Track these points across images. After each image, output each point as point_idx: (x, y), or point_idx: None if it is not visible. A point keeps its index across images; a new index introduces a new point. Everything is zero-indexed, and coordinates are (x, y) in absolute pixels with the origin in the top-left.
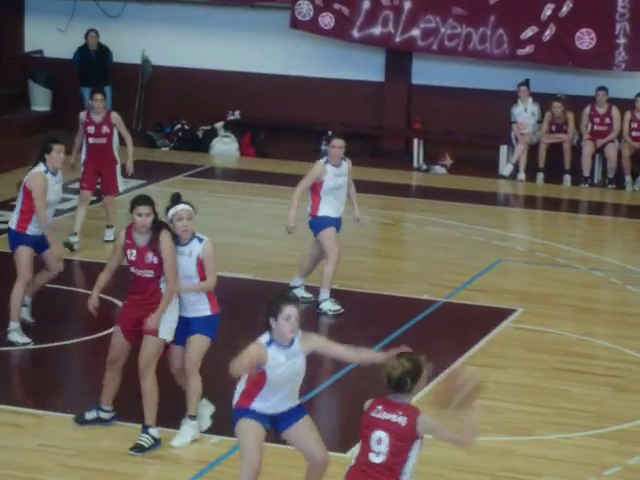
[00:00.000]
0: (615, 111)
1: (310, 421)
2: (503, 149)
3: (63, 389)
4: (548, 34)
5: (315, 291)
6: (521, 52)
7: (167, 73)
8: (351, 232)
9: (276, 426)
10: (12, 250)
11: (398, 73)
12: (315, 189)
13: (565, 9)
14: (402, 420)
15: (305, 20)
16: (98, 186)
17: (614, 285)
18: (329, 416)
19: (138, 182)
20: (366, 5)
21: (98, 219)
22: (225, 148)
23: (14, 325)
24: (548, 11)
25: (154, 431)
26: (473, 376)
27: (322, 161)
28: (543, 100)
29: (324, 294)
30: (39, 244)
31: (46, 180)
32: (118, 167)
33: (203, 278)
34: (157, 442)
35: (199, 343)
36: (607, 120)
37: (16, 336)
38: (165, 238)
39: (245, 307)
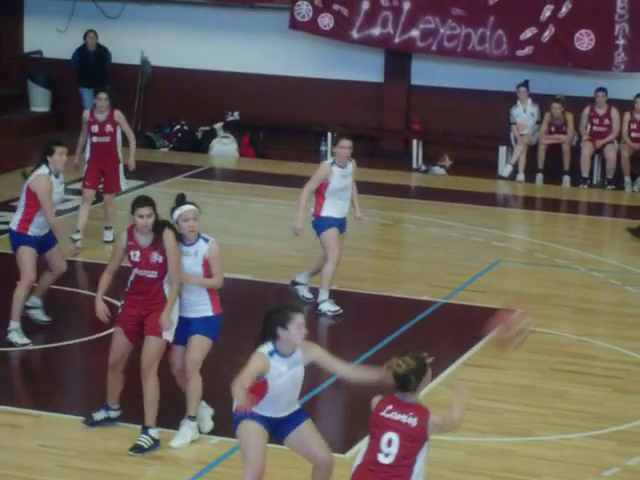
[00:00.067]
0: (614, 112)
1: (312, 424)
2: (502, 150)
3: (63, 390)
4: (547, 35)
5: (315, 291)
6: (520, 53)
7: (166, 74)
8: (350, 233)
9: (278, 432)
10: (14, 251)
11: (397, 74)
12: (320, 190)
13: (564, 10)
14: (413, 421)
15: (304, 21)
16: (100, 185)
17: (613, 286)
18: (328, 417)
19: (137, 183)
20: (365, 6)
21: (98, 220)
22: (224, 149)
23: (14, 325)
24: (547, 12)
25: (154, 432)
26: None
27: (328, 162)
28: (542, 101)
29: (323, 295)
30: (41, 245)
31: (51, 182)
32: (121, 166)
33: (208, 277)
34: (156, 443)
35: (200, 344)
36: (606, 121)
37: (16, 336)
38: (169, 236)
39: (244, 308)
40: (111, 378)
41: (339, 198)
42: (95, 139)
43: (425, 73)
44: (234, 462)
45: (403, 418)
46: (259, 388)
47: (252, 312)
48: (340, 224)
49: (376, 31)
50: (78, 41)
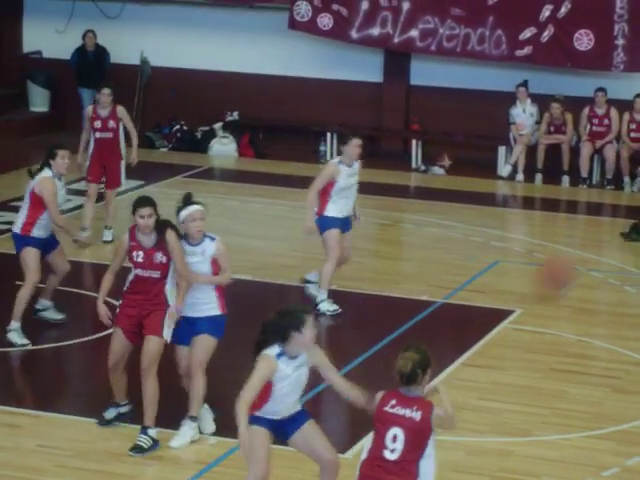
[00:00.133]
0: (614, 112)
1: (315, 425)
2: (501, 150)
3: (62, 390)
4: (546, 35)
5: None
6: (519, 53)
7: (166, 74)
8: (350, 233)
9: (281, 433)
10: (18, 253)
11: (397, 74)
12: (326, 189)
13: (563, 10)
14: (417, 415)
15: (304, 21)
16: (101, 185)
17: (612, 286)
18: (329, 417)
19: (137, 183)
20: (365, 6)
21: (98, 219)
22: (224, 149)
23: (15, 325)
24: (546, 12)
25: (153, 432)
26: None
27: (335, 161)
28: (542, 101)
29: (322, 294)
30: (44, 246)
31: (55, 185)
32: (123, 162)
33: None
34: (156, 443)
35: (205, 343)
36: (606, 121)
37: (15, 337)
38: (172, 236)
39: (244, 308)
40: (113, 379)
41: (343, 197)
42: (98, 134)
43: (424, 73)
44: (234, 462)
45: (407, 413)
46: (264, 390)
47: (251, 312)
48: (343, 224)
49: (375, 31)
50: (78, 41)
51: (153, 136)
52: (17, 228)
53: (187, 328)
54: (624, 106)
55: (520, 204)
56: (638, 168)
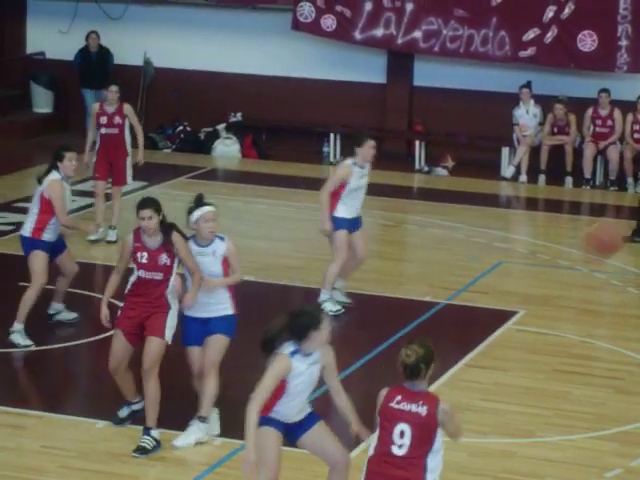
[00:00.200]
0: (617, 113)
1: (325, 426)
2: (505, 151)
3: (65, 391)
4: (550, 36)
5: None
6: (523, 54)
7: (169, 75)
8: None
9: (292, 435)
10: (26, 255)
11: (400, 75)
12: (337, 190)
13: (567, 11)
14: (423, 410)
15: (307, 22)
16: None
17: (615, 287)
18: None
19: (140, 184)
20: (368, 7)
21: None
22: (227, 150)
23: (18, 327)
24: (550, 13)
25: (155, 433)
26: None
27: (349, 162)
28: (545, 102)
29: (325, 295)
30: (53, 250)
31: (63, 187)
32: (129, 160)
33: (226, 276)
34: (158, 444)
35: (218, 343)
36: (609, 122)
37: (18, 338)
38: (178, 239)
39: (247, 309)
40: (118, 380)
41: (354, 198)
42: (103, 130)
43: (428, 74)
44: (237, 463)
45: (413, 408)
46: (277, 388)
47: (255, 313)
48: (351, 224)
49: (379, 32)
50: (81, 42)
51: (156, 137)
52: (27, 232)
53: (199, 329)
54: (628, 107)
55: (523, 205)
56: None
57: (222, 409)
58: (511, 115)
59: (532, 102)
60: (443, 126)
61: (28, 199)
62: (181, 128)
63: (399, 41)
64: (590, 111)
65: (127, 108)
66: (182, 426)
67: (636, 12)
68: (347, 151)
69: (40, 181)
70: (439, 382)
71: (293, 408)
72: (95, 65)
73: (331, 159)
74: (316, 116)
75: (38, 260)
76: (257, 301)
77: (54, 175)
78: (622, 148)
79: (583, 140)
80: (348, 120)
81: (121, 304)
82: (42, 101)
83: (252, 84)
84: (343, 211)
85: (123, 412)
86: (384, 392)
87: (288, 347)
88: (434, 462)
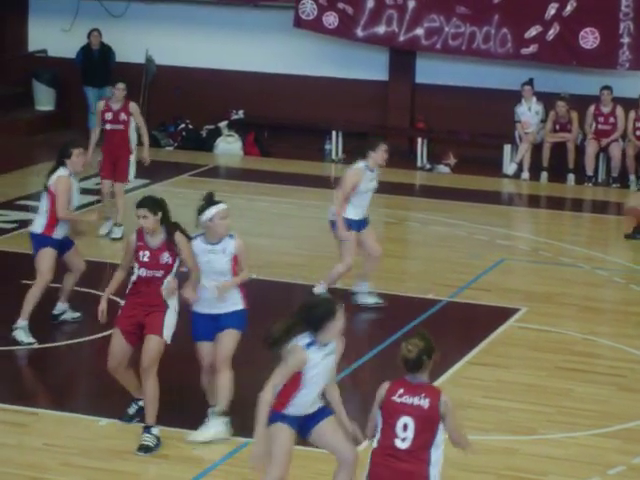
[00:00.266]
0: (619, 110)
1: (335, 421)
2: (507, 148)
3: (67, 388)
4: (552, 33)
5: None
6: (525, 51)
7: (171, 72)
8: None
9: (304, 428)
10: (36, 252)
11: (402, 72)
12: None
13: (569, 8)
14: (425, 403)
15: (309, 19)
16: None
17: (618, 284)
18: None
19: (142, 182)
20: (370, 4)
21: (105, 218)
22: (229, 147)
23: (22, 323)
24: (552, 10)
25: (156, 430)
26: None
27: (362, 166)
28: (547, 99)
29: (321, 288)
30: (61, 246)
31: (71, 183)
32: (132, 157)
33: (235, 273)
34: (159, 441)
35: (230, 338)
36: (611, 119)
37: (22, 335)
38: (181, 238)
39: (250, 307)
40: (119, 379)
41: (361, 200)
42: (109, 126)
43: (430, 71)
44: (239, 461)
45: (415, 401)
46: (293, 380)
47: (257, 311)
48: (359, 225)
49: (381, 29)
50: (83, 40)
51: (158, 135)
52: (38, 229)
53: (210, 324)
54: (630, 104)
55: (525, 202)
56: None
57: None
58: (513, 112)
59: (534, 99)
60: (445, 123)
61: (30, 197)
62: (183, 126)
63: (401, 38)
64: (592, 108)
65: (133, 106)
66: (182, 424)
67: (638, 9)
68: (349, 149)
69: (48, 178)
70: (441, 379)
71: (309, 400)
72: (97, 63)
73: (333, 156)
74: (318, 113)
75: (47, 257)
76: (259, 299)
77: (61, 171)
78: (624, 145)
79: (585, 137)
80: (350, 117)
81: (122, 302)
82: (44, 99)
83: (254, 82)
84: (351, 213)
85: (132, 409)
86: (385, 386)
87: (303, 339)
88: (436, 455)
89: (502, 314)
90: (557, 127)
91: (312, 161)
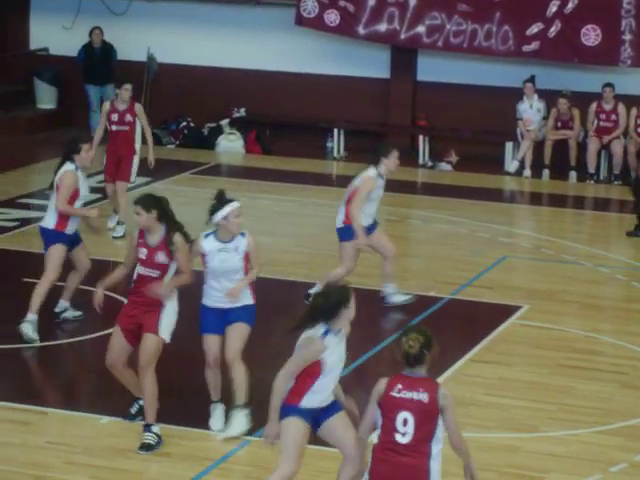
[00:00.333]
0: (621, 107)
1: (345, 416)
2: (509, 146)
3: (70, 387)
4: (554, 30)
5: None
6: (527, 48)
7: (172, 70)
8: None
9: (316, 422)
10: (47, 247)
11: (403, 70)
12: (350, 198)
13: (570, 5)
14: (424, 397)
15: (310, 17)
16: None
17: (620, 282)
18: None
19: (144, 179)
20: (371, 2)
21: (108, 217)
22: (230, 145)
23: (31, 317)
24: (553, 7)
25: (156, 428)
26: None
27: (375, 174)
28: (549, 97)
29: (318, 288)
30: (71, 243)
31: (77, 177)
32: (136, 158)
33: (246, 270)
34: (160, 439)
35: (241, 332)
36: (613, 116)
37: (29, 328)
38: (179, 239)
39: None
40: (118, 376)
41: (371, 207)
42: (114, 127)
43: (431, 69)
44: (241, 458)
45: (414, 395)
46: (314, 368)
47: (258, 309)
48: (368, 230)
49: (382, 27)
50: (84, 38)
51: (160, 133)
52: (50, 224)
53: (219, 318)
54: (632, 101)
55: (527, 200)
56: None
57: (226, 405)
58: (515, 110)
59: (536, 97)
60: (447, 121)
61: (32, 195)
62: (185, 124)
63: (402, 36)
64: (594, 105)
65: (139, 108)
66: (184, 422)
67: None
68: (351, 146)
69: (55, 174)
70: (443, 377)
71: (327, 389)
72: (99, 61)
73: (335, 154)
74: (320, 111)
75: (58, 253)
76: (261, 297)
77: (68, 166)
78: (626, 142)
79: (587, 134)
80: (352, 115)
81: (124, 301)
82: (46, 97)
83: (255, 79)
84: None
85: (134, 408)
86: (384, 382)
87: (319, 329)
88: (437, 449)
89: (504, 312)
90: (559, 124)
91: (314, 159)
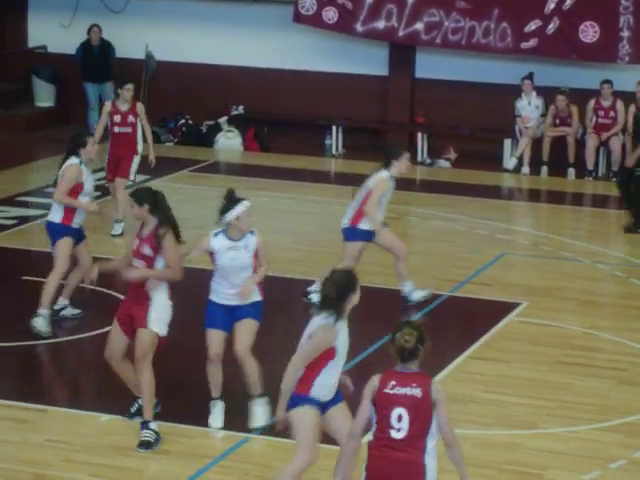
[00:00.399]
0: (619, 104)
1: (346, 407)
2: (507, 143)
3: (69, 384)
4: (552, 27)
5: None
6: (525, 45)
7: (171, 68)
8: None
9: (323, 412)
10: (54, 242)
11: (402, 67)
12: (366, 201)
13: (569, 2)
14: (417, 392)
15: (308, 14)
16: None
17: (618, 278)
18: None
19: (143, 177)
20: None
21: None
22: (229, 143)
23: (44, 312)
24: (552, 4)
25: (154, 425)
26: None
27: (387, 176)
28: (547, 93)
29: (317, 285)
30: (77, 237)
31: (80, 170)
32: (137, 158)
33: (255, 268)
34: (159, 436)
35: (250, 327)
36: (611, 113)
37: (42, 322)
38: (168, 237)
39: None
40: (116, 369)
41: (380, 209)
42: (117, 129)
43: (429, 66)
44: (241, 456)
45: (408, 391)
46: (325, 355)
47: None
48: (370, 236)
49: (380, 24)
50: (83, 36)
51: (158, 130)
52: (57, 218)
53: (226, 315)
54: (630, 98)
55: (526, 197)
56: None
57: (226, 402)
58: (513, 107)
59: (534, 93)
60: (445, 118)
61: (30, 193)
62: (183, 121)
63: (401, 33)
64: (592, 102)
65: (140, 107)
66: (183, 419)
67: (638, 3)
68: (349, 144)
69: (59, 169)
70: (442, 374)
71: (335, 375)
72: (97, 59)
73: (333, 151)
74: (318, 109)
75: (65, 247)
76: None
77: (73, 160)
78: (624, 139)
79: (585, 131)
80: (350, 112)
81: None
82: (44, 95)
83: (254, 77)
84: (367, 224)
85: (134, 407)
86: (376, 379)
87: (328, 318)
88: (432, 444)
89: (503, 308)
90: (557, 121)
91: (312, 156)
